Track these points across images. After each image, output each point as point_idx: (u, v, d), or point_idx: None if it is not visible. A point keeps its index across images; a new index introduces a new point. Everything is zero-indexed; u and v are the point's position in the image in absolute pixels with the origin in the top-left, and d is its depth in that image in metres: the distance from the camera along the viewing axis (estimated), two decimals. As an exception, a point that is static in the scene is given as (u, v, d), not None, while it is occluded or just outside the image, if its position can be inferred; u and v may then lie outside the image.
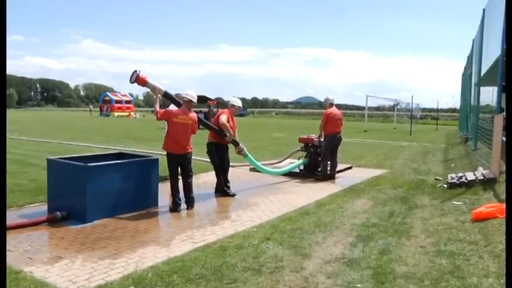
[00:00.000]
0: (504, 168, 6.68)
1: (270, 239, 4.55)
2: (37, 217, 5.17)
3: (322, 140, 8.84)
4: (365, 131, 27.01)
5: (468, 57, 19.00)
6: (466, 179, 7.13)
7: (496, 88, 9.37)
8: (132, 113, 52.96)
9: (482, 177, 6.99)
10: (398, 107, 38.29)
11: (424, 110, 47.10)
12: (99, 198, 5.27)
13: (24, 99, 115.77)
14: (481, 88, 12.10)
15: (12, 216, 5.24)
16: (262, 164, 8.31)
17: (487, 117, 9.97)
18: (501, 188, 6.19)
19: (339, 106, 9.59)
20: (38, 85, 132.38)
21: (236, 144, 7.08)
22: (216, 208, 6.39)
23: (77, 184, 5.26)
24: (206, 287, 3.39)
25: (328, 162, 8.69)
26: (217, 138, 6.89)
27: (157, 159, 6.12)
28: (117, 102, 53.77)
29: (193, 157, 6.25)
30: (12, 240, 4.42)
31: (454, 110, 57.09)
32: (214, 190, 7.08)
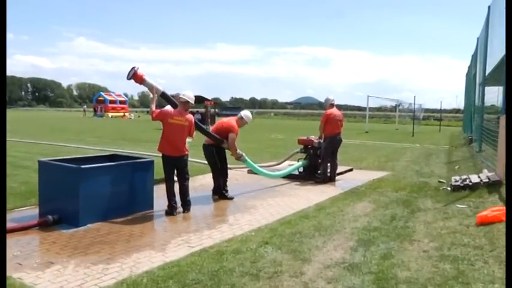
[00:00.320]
0: None
1: (269, 243, 4.54)
2: (28, 221, 5.14)
3: (322, 141, 8.85)
4: (366, 132, 27.07)
5: (472, 56, 19.05)
6: (471, 181, 7.14)
7: (501, 88, 9.40)
8: (126, 114, 52.93)
9: (487, 180, 7.00)
10: (400, 107, 38.41)
11: (427, 110, 47.31)
12: (92, 202, 5.25)
13: (15, 99, 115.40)
14: (486, 88, 12.13)
15: (2, 220, 5.22)
16: (261, 166, 8.31)
17: (492, 118, 10.00)
18: (506, 191, 6.20)
19: (339, 107, 9.60)
20: (28, 84, 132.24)
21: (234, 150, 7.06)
22: (213, 211, 6.38)
23: (70, 187, 5.24)
24: (203, 293, 3.38)
25: (328, 164, 8.70)
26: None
27: (152, 161, 6.11)
28: (112, 102, 53.65)
29: (189, 159, 6.25)
30: (2, 244, 4.40)
31: (457, 111, 57.18)
32: (211, 193, 7.08)
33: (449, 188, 7.37)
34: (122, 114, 52.03)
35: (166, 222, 5.62)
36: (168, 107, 6.36)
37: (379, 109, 58.05)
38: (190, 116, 6.08)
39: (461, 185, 7.14)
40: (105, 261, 4.04)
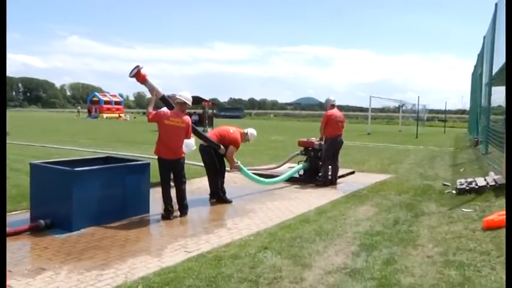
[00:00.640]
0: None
1: (268, 248, 4.54)
2: (18, 226, 5.11)
3: (322, 143, 8.85)
4: (368, 133, 27.10)
5: (479, 55, 19.07)
6: (477, 184, 7.14)
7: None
8: (122, 115, 52.95)
9: (493, 183, 7.00)
10: (403, 108, 38.48)
11: (431, 111, 47.31)
12: (86, 205, 5.24)
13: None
14: (493, 88, 12.14)
15: (-7, 225, 5.21)
16: (258, 171, 8.26)
17: (499, 119, 10.00)
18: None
19: (340, 107, 9.61)
20: (20, 84, 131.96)
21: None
22: (211, 215, 6.38)
23: (62, 190, 5.23)
24: (200, 299, 3.38)
25: (329, 167, 8.70)
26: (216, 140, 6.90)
27: (148, 164, 6.11)
28: (106, 103, 53.65)
29: (186, 161, 6.24)
30: (-8, 250, 4.39)
31: (463, 112, 57.37)
32: (209, 196, 7.07)
33: (454, 191, 7.38)
34: (117, 115, 52.05)
35: (163, 227, 5.61)
36: (165, 109, 6.36)
37: (381, 110, 58.28)
38: (187, 118, 6.09)
39: (467, 188, 7.14)
40: (99, 267, 4.03)
